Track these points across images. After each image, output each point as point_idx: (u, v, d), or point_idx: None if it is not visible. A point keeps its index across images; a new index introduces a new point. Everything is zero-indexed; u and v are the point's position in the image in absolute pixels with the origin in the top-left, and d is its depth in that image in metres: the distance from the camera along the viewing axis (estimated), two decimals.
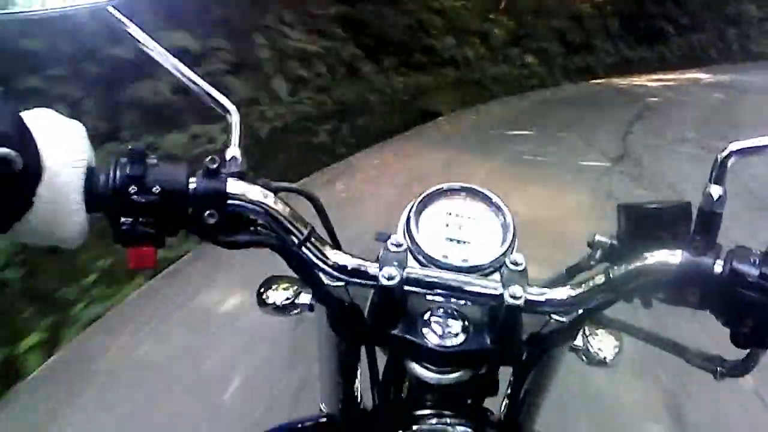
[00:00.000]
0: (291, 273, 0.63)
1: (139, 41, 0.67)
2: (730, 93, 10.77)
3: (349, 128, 6.13)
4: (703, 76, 13.33)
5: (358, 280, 0.61)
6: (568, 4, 12.15)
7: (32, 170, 0.50)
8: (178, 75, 0.68)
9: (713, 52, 15.79)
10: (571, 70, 11.66)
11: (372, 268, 0.61)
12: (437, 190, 0.70)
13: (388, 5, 7.93)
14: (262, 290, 0.88)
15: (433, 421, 0.67)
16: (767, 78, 13.28)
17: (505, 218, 0.68)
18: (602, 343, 0.81)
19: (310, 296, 0.84)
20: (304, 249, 0.60)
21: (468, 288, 0.61)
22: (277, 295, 0.86)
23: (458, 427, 0.67)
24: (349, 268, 0.61)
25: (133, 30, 0.67)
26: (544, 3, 11.56)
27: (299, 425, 0.81)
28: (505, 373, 0.71)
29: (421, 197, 0.69)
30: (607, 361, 0.81)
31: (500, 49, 10.22)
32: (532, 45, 10.93)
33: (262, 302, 0.87)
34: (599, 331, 0.82)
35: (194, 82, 0.68)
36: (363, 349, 0.72)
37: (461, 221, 0.68)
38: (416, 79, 7.92)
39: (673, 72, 13.40)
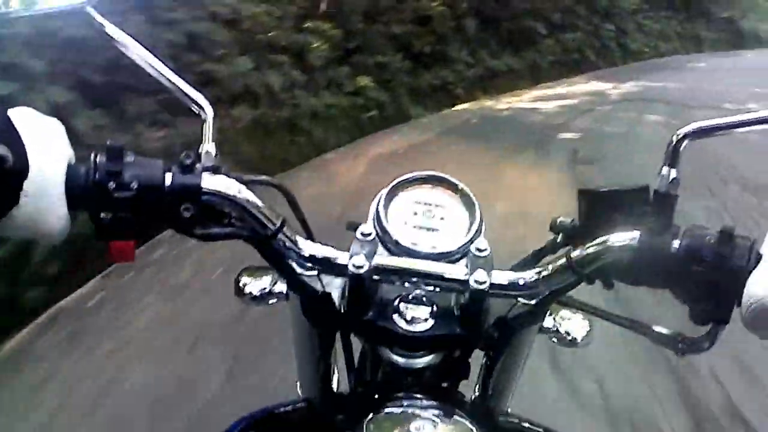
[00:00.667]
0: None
1: (117, 40, 0.69)
2: (668, 111, 8.10)
3: None
4: (601, 86, 10.71)
5: (329, 269, 0.66)
6: (411, 2, 9.02)
7: (19, 167, 0.53)
8: (156, 73, 0.69)
9: (591, 54, 13.36)
10: (423, 93, 8.61)
11: (342, 257, 0.64)
12: (406, 179, 0.72)
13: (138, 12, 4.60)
14: (239, 280, 0.90)
15: (405, 403, 0.69)
16: (684, 83, 10.94)
17: (472, 205, 0.70)
18: (572, 324, 0.85)
19: (285, 285, 0.84)
20: (276, 240, 0.63)
21: (435, 274, 0.64)
22: (254, 285, 0.89)
23: (429, 409, 0.68)
24: (319, 258, 0.65)
25: (111, 29, 0.69)
26: (380, 1, 8.44)
27: (277, 410, 0.83)
28: (478, 357, 0.74)
29: (390, 186, 0.71)
30: (578, 342, 0.85)
31: (321, 69, 7.02)
32: (366, 61, 7.79)
33: (239, 291, 0.90)
34: (570, 313, 0.85)
35: (171, 80, 0.69)
36: (338, 336, 0.73)
37: (430, 209, 0.71)
38: (176, 133, 4.48)
39: (558, 84, 10.73)
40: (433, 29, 9.14)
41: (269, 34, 6.49)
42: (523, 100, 9.33)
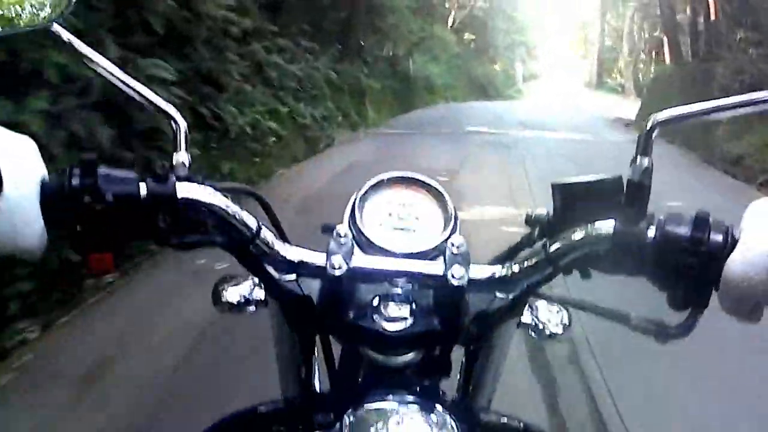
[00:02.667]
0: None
1: (85, 56, 0.69)
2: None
3: None
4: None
5: (308, 272, 0.66)
6: None
7: None
8: (125, 87, 0.70)
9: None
10: None
11: (320, 260, 0.64)
12: (380, 181, 0.72)
13: None
14: (217, 289, 0.91)
15: (386, 401, 0.68)
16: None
17: (446, 204, 0.71)
18: (550, 317, 0.87)
19: (264, 292, 0.87)
20: (253, 246, 0.64)
21: (413, 272, 0.64)
22: (232, 294, 0.90)
23: (409, 405, 0.68)
24: (297, 261, 0.65)
25: (78, 45, 0.69)
26: None
27: (258, 410, 0.80)
28: (460, 354, 0.74)
29: (364, 188, 0.71)
30: (556, 335, 0.87)
31: None
32: None
33: (217, 300, 0.91)
34: (548, 306, 0.87)
35: (139, 93, 0.70)
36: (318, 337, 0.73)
37: (404, 210, 0.71)
38: None
39: None
40: None
41: None
42: None
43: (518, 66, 40.33)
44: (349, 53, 14.05)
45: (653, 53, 26.56)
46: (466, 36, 31.43)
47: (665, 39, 20.95)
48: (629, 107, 20.86)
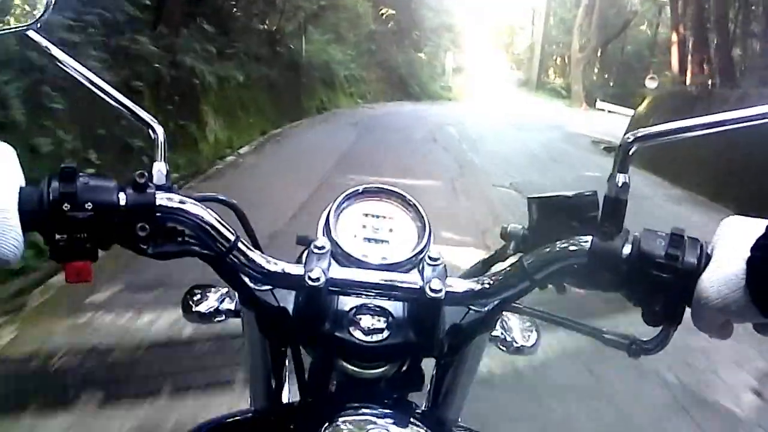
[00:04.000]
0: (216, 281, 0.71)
1: (62, 62, 0.71)
2: None
3: None
4: None
5: (285, 284, 0.67)
6: None
7: None
8: (102, 95, 0.72)
9: None
10: None
11: (297, 271, 0.65)
12: (354, 192, 0.74)
13: None
14: (187, 299, 0.92)
15: (358, 414, 0.69)
16: None
17: (420, 217, 0.73)
18: (520, 331, 0.88)
19: (234, 302, 0.90)
20: (230, 256, 0.64)
21: (391, 285, 0.65)
22: (202, 304, 0.90)
23: (381, 419, 0.68)
24: (274, 273, 0.65)
25: (55, 51, 0.71)
26: None
27: (228, 420, 0.82)
28: (431, 367, 0.76)
29: (338, 200, 0.73)
30: (525, 349, 0.88)
31: None
32: None
33: (187, 310, 0.92)
34: (517, 320, 0.89)
35: (118, 101, 0.73)
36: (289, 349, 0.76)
37: (378, 222, 0.73)
38: None
39: None
40: None
41: None
42: None
43: (447, 56, 32.97)
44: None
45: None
46: (385, 11, 23.32)
47: (675, 41, 14.61)
48: (588, 120, 18.86)
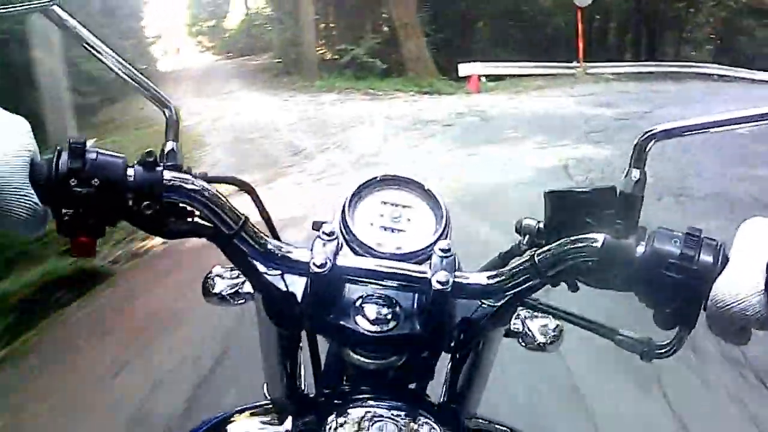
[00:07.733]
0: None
1: (82, 38, 0.71)
2: None
3: None
4: None
5: (291, 268, 0.66)
6: None
7: None
8: (119, 71, 0.72)
9: None
10: None
11: (304, 256, 0.64)
12: (373, 179, 0.74)
13: None
14: (208, 280, 0.93)
15: (370, 405, 0.69)
16: None
17: (438, 207, 0.73)
18: (540, 328, 0.88)
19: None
20: (238, 238, 0.63)
21: (397, 275, 0.65)
22: (222, 285, 0.91)
23: (394, 411, 0.68)
24: (281, 257, 0.65)
25: (78, 28, 0.71)
26: None
27: (244, 411, 0.82)
28: (446, 359, 0.75)
29: (357, 187, 0.74)
30: (546, 346, 0.88)
31: None
32: None
33: (207, 291, 0.93)
34: (539, 317, 0.89)
35: (134, 79, 0.73)
36: (305, 336, 0.75)
37: (396, 210, 0.73)
38: None
39: None
40: None
41: None
42: None
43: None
44: None
45: None
46: None
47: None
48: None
